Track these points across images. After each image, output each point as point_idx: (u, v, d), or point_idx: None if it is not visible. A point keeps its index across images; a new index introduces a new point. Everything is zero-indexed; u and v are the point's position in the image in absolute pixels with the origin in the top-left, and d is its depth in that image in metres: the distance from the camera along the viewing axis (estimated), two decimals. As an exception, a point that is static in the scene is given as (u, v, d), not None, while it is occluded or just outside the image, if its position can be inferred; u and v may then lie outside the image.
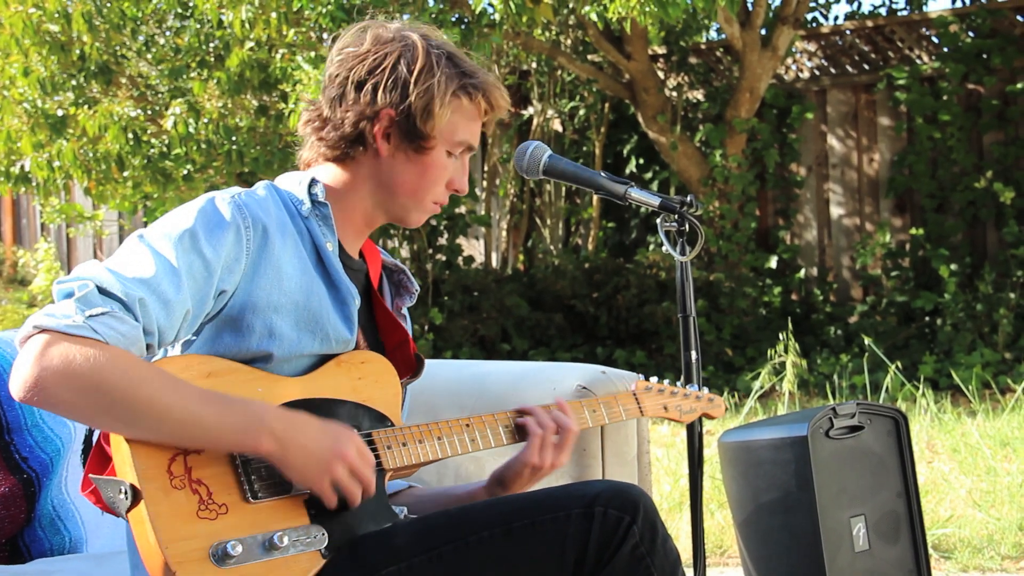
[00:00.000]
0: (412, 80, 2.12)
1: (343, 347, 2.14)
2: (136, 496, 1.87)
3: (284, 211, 2.13)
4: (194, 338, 2.04)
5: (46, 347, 1.81)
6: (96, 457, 1.99)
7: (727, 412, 2.53)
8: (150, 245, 1.96)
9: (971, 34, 8.86)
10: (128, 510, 1.89)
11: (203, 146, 7.41)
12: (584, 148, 9.97)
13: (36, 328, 1.83)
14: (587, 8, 6.62)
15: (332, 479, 1.96)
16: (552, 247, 9.90)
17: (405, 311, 2.37)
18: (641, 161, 9.84)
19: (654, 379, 2.46)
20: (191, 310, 1.96)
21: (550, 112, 9.84)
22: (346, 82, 2.14)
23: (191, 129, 7.26)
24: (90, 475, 1.98)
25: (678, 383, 2.46)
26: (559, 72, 9.69)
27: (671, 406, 2.45)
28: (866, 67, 9.27)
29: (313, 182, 2.16)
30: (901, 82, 8.88)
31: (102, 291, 1.87)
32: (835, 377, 7.55)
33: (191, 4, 7.24)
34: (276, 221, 2.09)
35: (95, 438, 2.00)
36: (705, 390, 2.52)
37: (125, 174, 7.83)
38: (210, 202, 2.04)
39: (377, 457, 2.08)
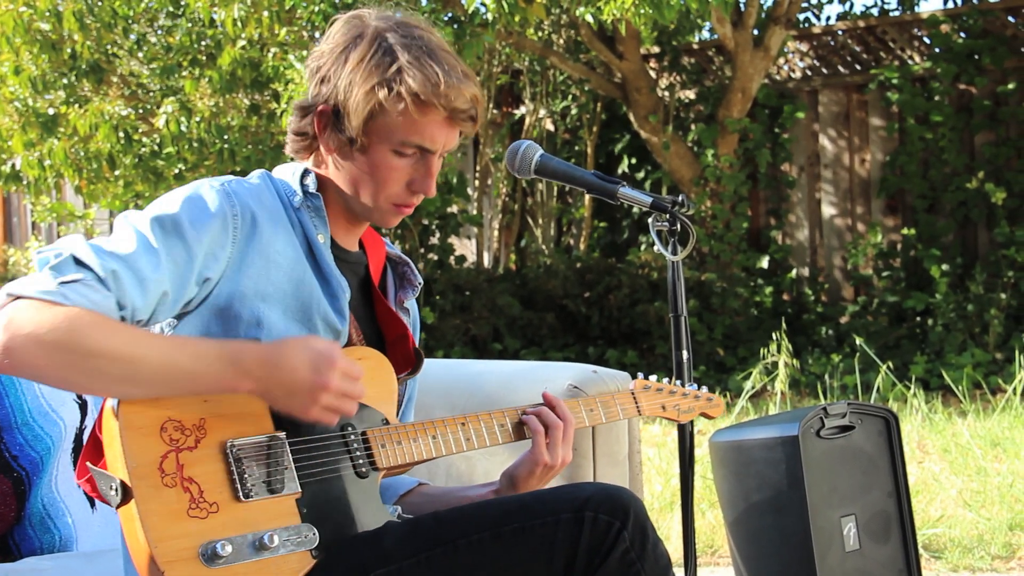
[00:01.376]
0: (341, 74, 2.07)
1: (333, 339, 2.13)
2: (127, 493, 1.86)
3: (277, 201, 2.12)
4: (181, 326, 2.03)
5: (17, 312, 1.82)
6: (92, 446, 1.98)
7: (701, 418, 2.53)
8: (133, 225, 1.96)
9: (963, 35, 8.88)
10: (119, 506, 1.88)
11: (195, 145, 7.40)
12: (576, 148, 9.98)
13: (9, 295, 1.84)
14: (581, 9, 6.62)
15: (320, 407, 1.94)
16: (544, 247, 9.90)
17: (409, 304, 2.35)
18: (633, 161, 9.84)
19: (653, 378, 2.44)
20: (169, 292, 1.95)
21: (542, 111, 9.84)
22: (309, 74, 2.14)
23: (183, 128, 7.25)
24: (87, 463, 1.97)
25: (677, 382, 2.45)
26: (551, 72, 9.70)
27: (669, 405, 2.44)
28: (858, 67, 9.28)
29: (306, 172, 2.15)
30: (893, 82, 8.89)
31: (78, 261, 1.88)
32: (826, 377, 7.56)
33: (183, 3, 7.24)
34: (267, 210, 2.08)
35: (86, 435, 1.99)
36: (704, 389, 2.51)
37: (116, 173, 7.82)
38: (198, 189, 2.03)
39: (371, 455, 2.08)
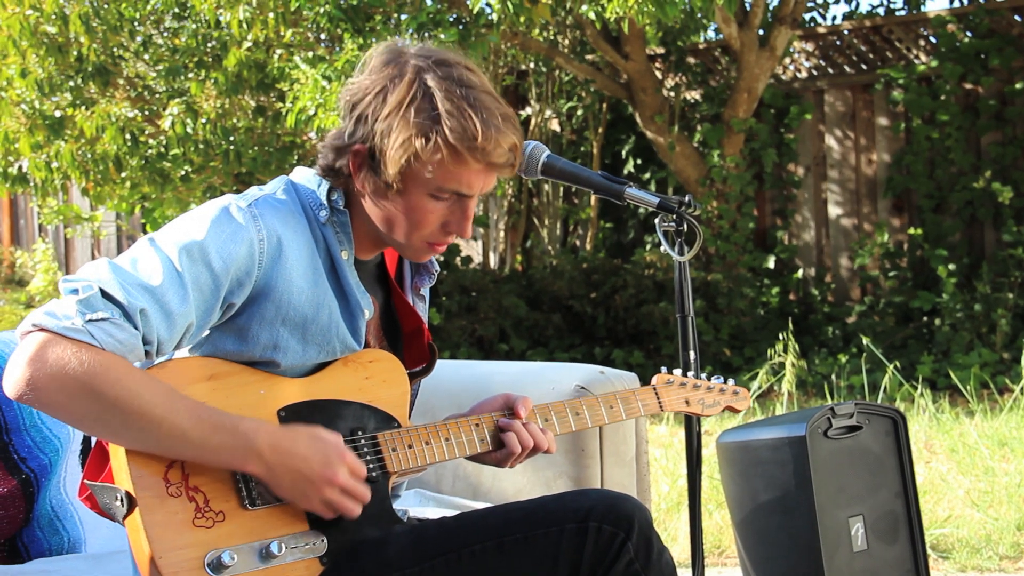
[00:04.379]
0: (379, 117, 2.01)
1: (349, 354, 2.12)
2: (132, 503, 1.86)
3: (302, 215, 2.08)
4: (195, 345, 2.02)
5: (42, 347, 1.80)
6: (94, 461, 1.97)
7: (724, 412, 2.50)
8: (160, 251, 1.92)
9: (969, 34, 8.86)
10: (125, 517, 1.88)
11: (201, 146, 7.40)
12: (582, 148, 9.97)
13: (35, 326, 1.82)
14: (585, 7, 6.62)
15: (321, 500, 1.94)
16: (550, 247, 9.90)
17: (424, 291, 2.33)
18: (639, 161, 9.84)
19: (677, 371, 2.41)
20: (194, 322, 1.93)
21: (548, 112, 9.84)
22: (344, 107, 2.09)
23: (189, 129, 7.26)
24: (86, 481, 1.97)
25: (702, 375, 2.42)
26: (557, 72, 9.69)
27: (693, 400, 2.41)
28: (864, 67, 9.26)
29: (333, 187, 2.11)
30: (899, 82, 8.88)
31: (105, 295, 1.85)
32: (833, 377, 7.55)
33: (188, 4, 7.24)
34: (293, 228, 2.05)
35: (94, 441, 1.98)
36: (731, 382, 2.48)
37: (123, 175, 7.83)
38: (225, 211, 1.99)
39: (381, 460, 2.07)
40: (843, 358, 7.95)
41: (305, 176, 2.16)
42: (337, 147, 2.09)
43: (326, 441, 1.95)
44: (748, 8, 8.45)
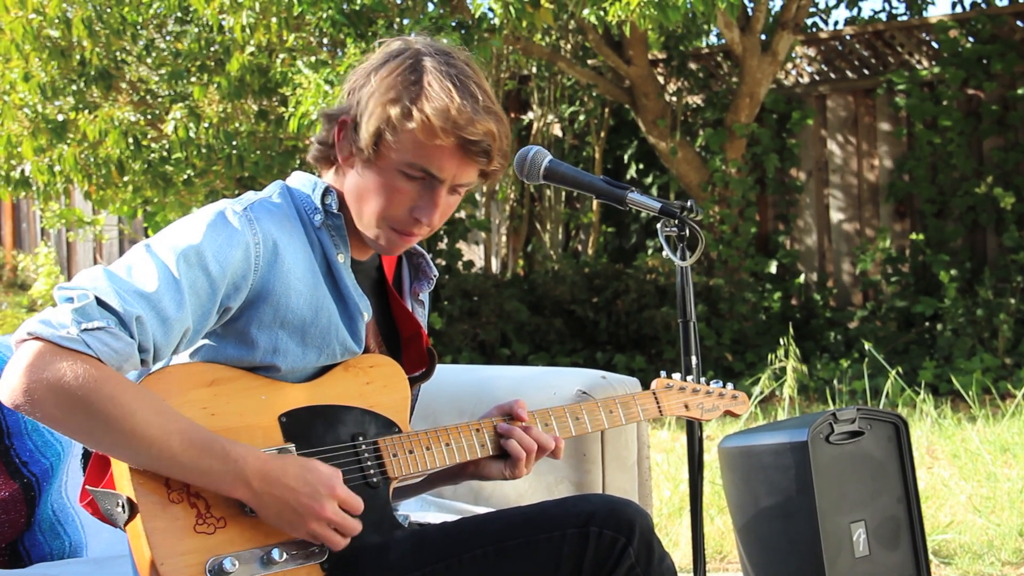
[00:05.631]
0: (367, 86, 2.05)
1: (350, 358, 2.12)
2: (133, 509, 1.86)
3: (297, 220, 2.09)
4: (199, 345, 2.02)
5: (37, 357, 1.79)
6: (95, 467, 1.97)
7: (726, 416, 2.51)
8: (156, 257, 1.92)
9: (971, 39, 8.86)
10: (126, 523, 1.87)
11: (203, 151, 7.41)
12: (584, 153, 9.98)
13: (30, 335, 1.81)
14: (587, 12, 6.63)
15: (307, 532, 1.93)
16: (552, 252, 9.90)
17: (424, 297, 2.33)
18: (641, 166, 9.84)
19: (676, 376, 2.41)
20: (191, 327, 1.93)
21: (550, 117, 9.85)
22: (345, 91, 2.13)
23: (191, 134, 7.26)
24: (87, 487, 1.96)
25: (702, 380, 2.42)
26: (559, 77, 9.70)
27: (692, 404, 2.41)
28: (866, 72, 9.27)
29: (327, 191, 2.12)
30: (901, 87, 8.88)
31: (101, 303, 1.84)
32: (835, 382, 7.55)
33: (191, 9, 7.25)
34: (288, 232, 2.05)
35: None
36: (730, 386, 2.48)
37: (125, 179, 7.83)
38: (220, 215, 1.99)
39: (383, 465, 2.07)
40: (845, 363, 7.95)
41: (300, 181, 2.16)
42: (328, 115, 2.12)
43: (318, 473, 1.93)
44: (750, 13, 8.46)
